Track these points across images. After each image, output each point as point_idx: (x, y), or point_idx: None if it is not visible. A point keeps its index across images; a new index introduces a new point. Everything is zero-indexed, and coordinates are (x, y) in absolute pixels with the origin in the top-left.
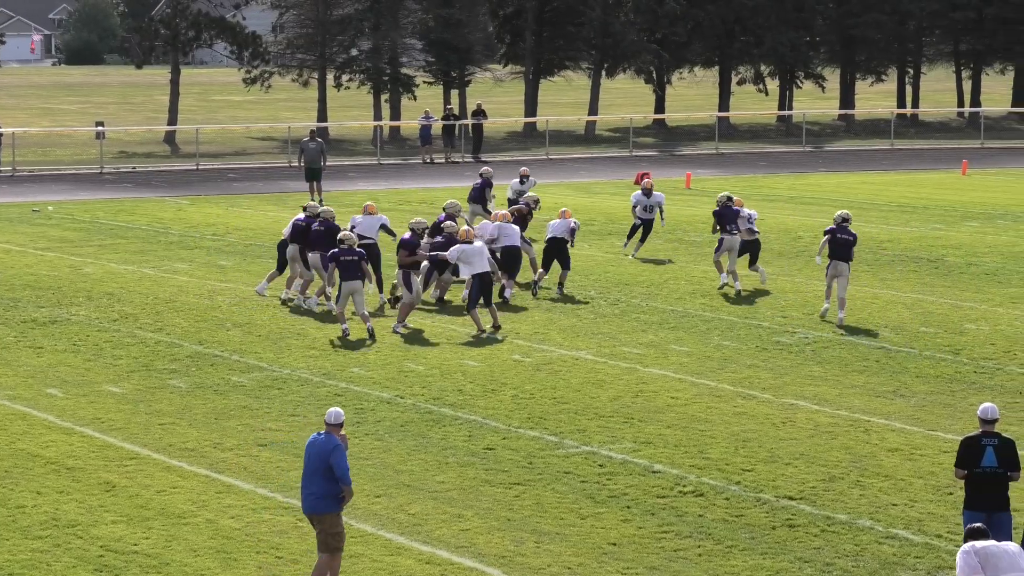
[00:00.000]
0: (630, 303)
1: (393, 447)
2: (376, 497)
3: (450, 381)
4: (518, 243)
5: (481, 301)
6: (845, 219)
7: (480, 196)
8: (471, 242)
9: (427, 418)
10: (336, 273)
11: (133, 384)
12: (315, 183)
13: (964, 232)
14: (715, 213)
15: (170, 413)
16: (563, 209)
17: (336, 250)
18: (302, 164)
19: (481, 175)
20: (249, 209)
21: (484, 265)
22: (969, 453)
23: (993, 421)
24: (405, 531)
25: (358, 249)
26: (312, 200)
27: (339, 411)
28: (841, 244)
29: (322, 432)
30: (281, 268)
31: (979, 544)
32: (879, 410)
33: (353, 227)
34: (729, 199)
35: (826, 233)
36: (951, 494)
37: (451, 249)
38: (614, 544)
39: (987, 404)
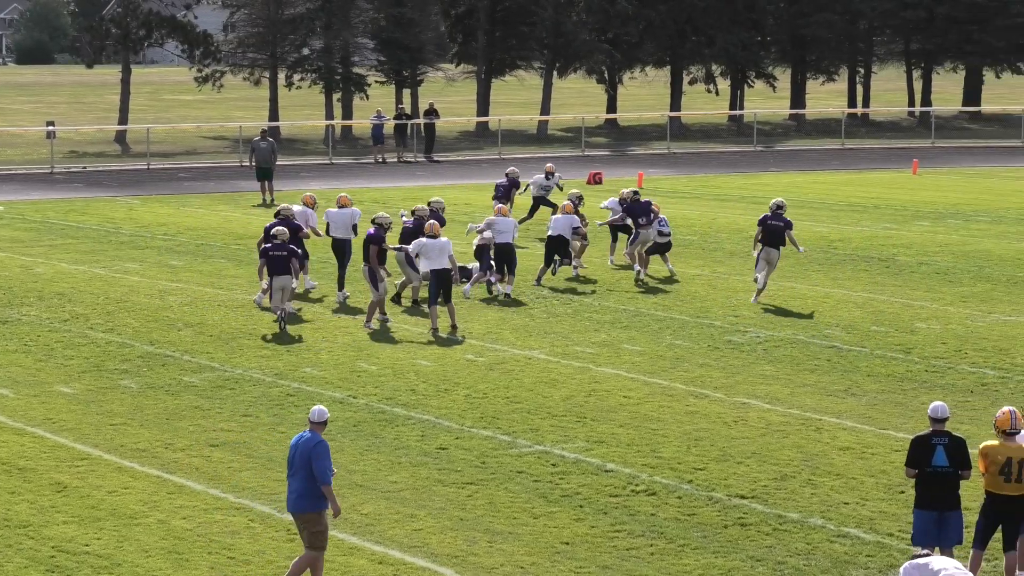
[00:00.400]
0: (583, 302)
1: (346, 447)
2: None
3: (403, 381)
4: (510, 239)
5: (440, 300)
6: (780, 206)
7: (506, 195)
8: (436, 236)
9: (380, 418)
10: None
11: (84, 384)
12: (267, 182)
13: (915, 231)
14: (625, 209)
15: (121, 413)
16: (564, 203)
17: (268, 245)
18: (253, 163)
19: (507, 175)
20: (200, 209)
21: (444, 262)
22: (920, 452)
23: (943, 420)
24: (358, 531)
25: (289, 245)
26: (264, 199)
27: (323, 409)
28: (772, 230)
29: (307, 431)
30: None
31: (921, 561)
32: (830, 409)
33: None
34: (635, 193)
35: (759, 223)
36: (903, 492)
37: (413, 242)
38: (567, 543)
39: (937, 403)
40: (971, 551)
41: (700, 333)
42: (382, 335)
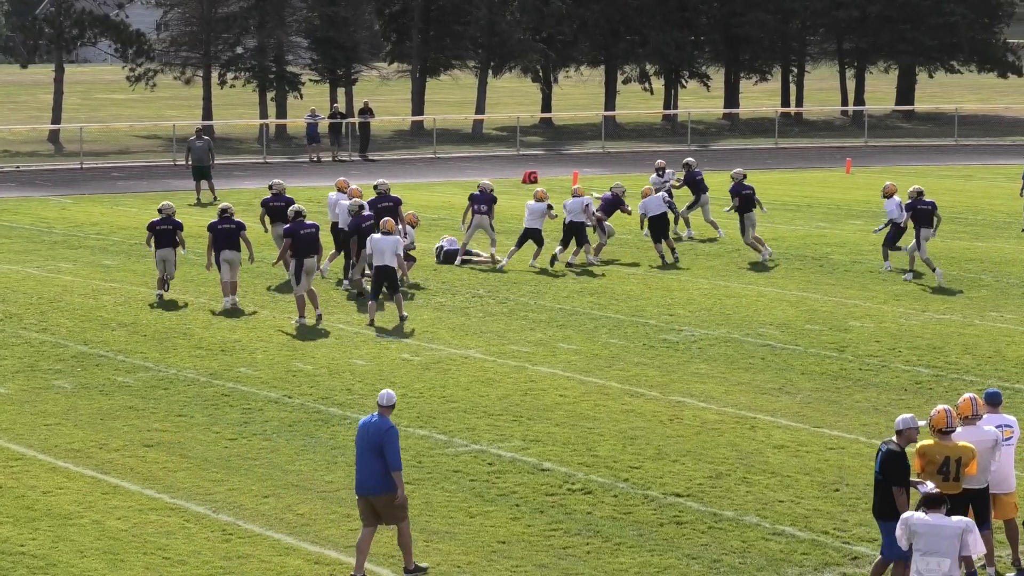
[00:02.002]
0: (519, 301)
1: (281, 447)
2: (264, 497)
3: (339, 380)
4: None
5: (385, 294)
6: (744, 175)
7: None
8: (389, 232)
9: (315, 418)
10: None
11: (18, 384)
12: (205, 181)
13: (848, 230)
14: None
15: (56, 414)
16: (575, 187)
17: (216, 220)
18: (189, 163)
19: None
20: (134, 208)
21: (391, 260)
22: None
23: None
24: (294, 531)
25: (237, 219)
26: (199, 199)
27: (391, 393)
28: (747, 198)
29: (375, 414)
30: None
31: (915, 516)
32: (765, 407)
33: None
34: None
35: (733, 192)
36: (837, 491)
37: (369, 239)
38: (503, 542)
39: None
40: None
41: (635, 332)
42: (317, 334)
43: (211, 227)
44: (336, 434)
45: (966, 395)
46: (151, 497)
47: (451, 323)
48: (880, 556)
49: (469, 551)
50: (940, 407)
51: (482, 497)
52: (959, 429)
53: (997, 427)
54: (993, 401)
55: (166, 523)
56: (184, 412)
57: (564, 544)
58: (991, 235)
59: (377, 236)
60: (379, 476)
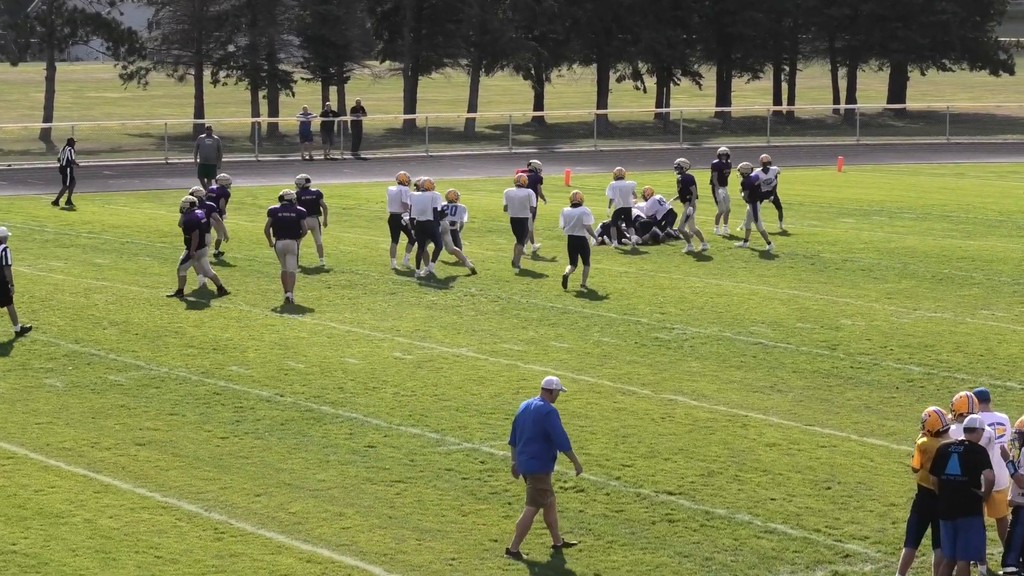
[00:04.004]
0: (511, 300)
1: (273, 446)
2: (256, 496)
3: (331, 379)
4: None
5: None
6: (727, 154)
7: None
8: (429, 190)
9: (307, 416)
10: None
11: (9, 383)
12: (211, 179)
13: (840, 228)
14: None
15: (47, 412)
16: (574, 191)
17: (276, 206)
18: (197, 160)
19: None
20: (125, 207)
21: (431, 215)
22: (937, 460)
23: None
24: (286, 530)
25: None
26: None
27: (555, 379)
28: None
29: (536, 398)
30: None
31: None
32: (757, 405)
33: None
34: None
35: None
36: (828, 488)
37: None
38: (495, 540)
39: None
40: (903, 549)
41: (627, 330)
42: (310, 333)
43: (271, 212)
44: (328, 433)
45: (962, 393)
46: (143, 496)
47: (443, 321)
48: (946, 557)
49: (461, 549)
50: (930, 409)
51: (474, 495)
52: (953, 427)
53: (990, 425)
54: (983, 399)
55: (158, 522)
56: (176, 411)
57: None
58: (983, 233)
59: (417, 194)
60: (535, 457)
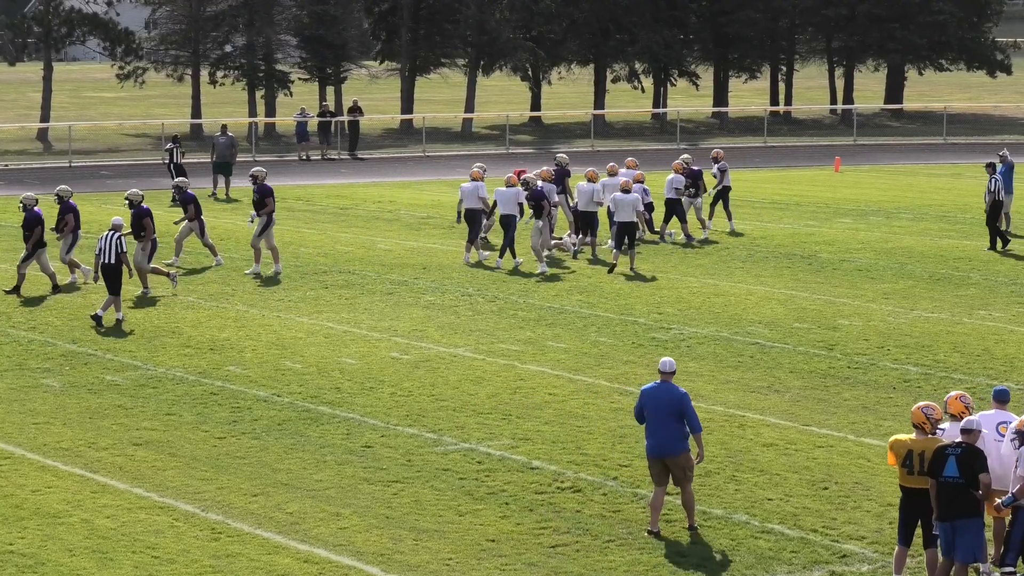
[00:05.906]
0: (508, 300)
1: (270, 446)
2: (253, 496)
3: (327, 379)
4: (477, 204)
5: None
6: (717, 158)
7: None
8: (513, 185)
9: (304, 416)
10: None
11: (6, 383)
12: (225, 177)
13: (837, 228)
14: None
15: (44, 412)
16: (629, 173)
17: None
18: (213, 159)
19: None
20: (122, 206)
21: (513, 209)
22: (934, 462)
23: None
24: (283, 530)
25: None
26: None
27: (671, 360)
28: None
29: (657, 382)
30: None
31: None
32: (754, 405)
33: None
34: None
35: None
36: (826, 489)
37: (461, 187)
38: (492, 540)
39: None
40: (896, 547)
41: (624, 330)
42: (307, 333)
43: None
44: (325, 433)
45: (954, 392)
46: (140, 496)
47: (440, 321)
48: (944, 558)
49: (458, 549)
50: (917, 405)
51: (471, 495)
52: (946, 426)
53: (997, 424)
54: (1001, 399)
55: (155, 522)
56: (173, 411)
57: (553, 542)
58: (980, 234)
59: (468, 185)
60: (675, 438)
